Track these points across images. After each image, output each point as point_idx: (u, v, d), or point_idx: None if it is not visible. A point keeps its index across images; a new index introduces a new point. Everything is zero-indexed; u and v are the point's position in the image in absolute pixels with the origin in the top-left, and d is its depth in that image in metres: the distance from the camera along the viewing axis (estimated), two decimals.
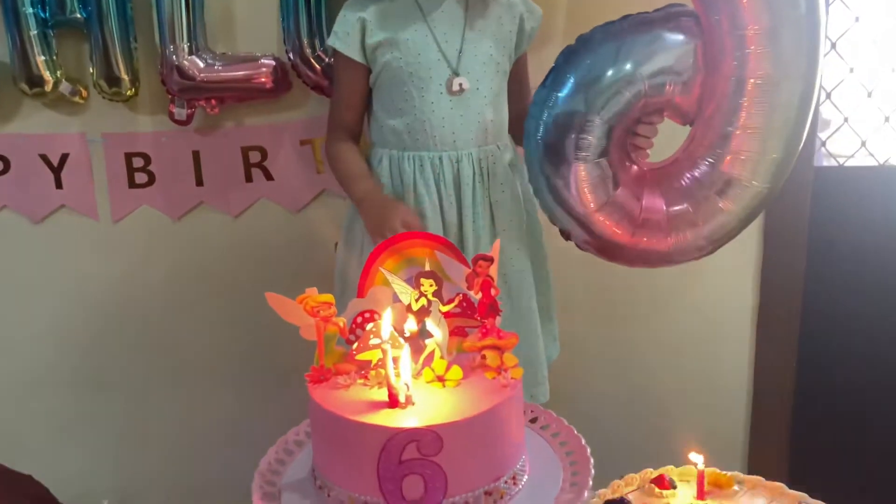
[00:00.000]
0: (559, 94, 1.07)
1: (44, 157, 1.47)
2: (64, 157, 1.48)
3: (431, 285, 0.78)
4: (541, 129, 1.09)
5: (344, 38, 1.22)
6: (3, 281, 1.54)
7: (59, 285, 1.54)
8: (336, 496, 0.74)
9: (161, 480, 1.62)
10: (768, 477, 0.96)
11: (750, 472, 0.97)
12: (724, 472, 0.95)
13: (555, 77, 1.10)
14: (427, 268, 0.81)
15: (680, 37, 1.06)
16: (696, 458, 0.93)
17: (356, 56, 1.21)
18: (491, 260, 0.80)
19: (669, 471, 0.97)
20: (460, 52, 1.18)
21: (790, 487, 0.93)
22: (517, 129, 1.26)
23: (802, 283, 1.58)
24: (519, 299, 1.23)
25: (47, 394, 1.60)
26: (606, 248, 1.14)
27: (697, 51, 1.06)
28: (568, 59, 1.10)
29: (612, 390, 1.63)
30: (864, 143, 1.56)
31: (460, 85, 1.18)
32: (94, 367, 1.59)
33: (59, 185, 1.49)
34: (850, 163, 1.58)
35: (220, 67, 1.39)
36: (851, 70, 1.52)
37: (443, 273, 0.81)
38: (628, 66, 1.05)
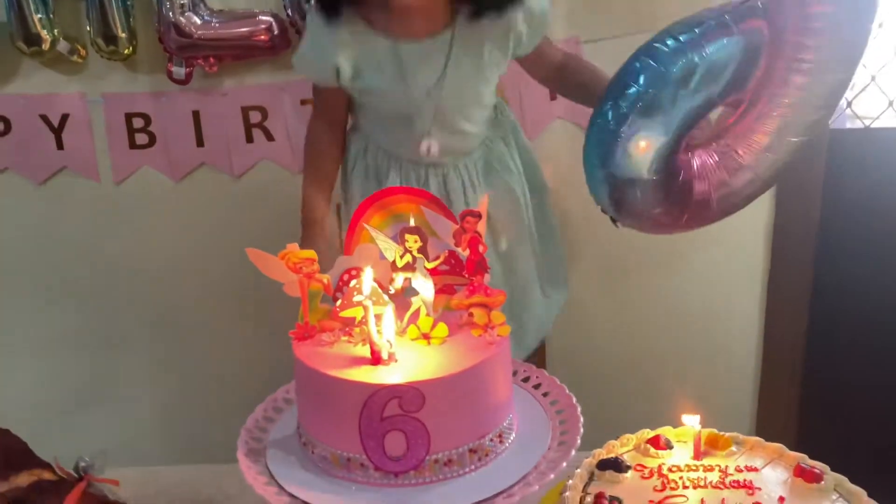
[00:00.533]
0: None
1: (44, 118, 1.47)
2: (64, 118, 1.48)
3: (416, 241, 0.77)
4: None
5: (315, 71, 1.17)
6: (6, 243, 1.55)
7: (61, 247, 1.55)
8: (319, 452, 0.74)
9: (149, 438, 1.64)
10: None
11: None
12: (722, 433, 0.93)
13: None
14: (412, 223, 0.79)
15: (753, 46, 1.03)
16: (691, 419, 0.91)
17: (331, 85, 1.16)
18: (478, 215, 0.77)
19: (666, 431, 0.95)
20: (440, 100, 1.13)
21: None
22: (552, 85, 1.28)
23: (814, 246, 1.54)
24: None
25: (43, 352, 1.62)
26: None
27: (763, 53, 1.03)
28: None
29: (616, 352, 1.61)
30: (891, 103, 1.50)
31: (428, 148, 1.15)
32: (93, 327, 1.60)
33: (60, 146, 1.49)
34: (875, 124, 1.52)
35: (217, 24, 1.37)
36: (880, 25, 1.44)
37: (429, 229, 0.79)
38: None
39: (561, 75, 1.26)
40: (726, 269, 1.57)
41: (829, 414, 1.62)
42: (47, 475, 0.77)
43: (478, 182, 1.21)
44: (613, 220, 1.13)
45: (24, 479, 0.74)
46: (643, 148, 1.02)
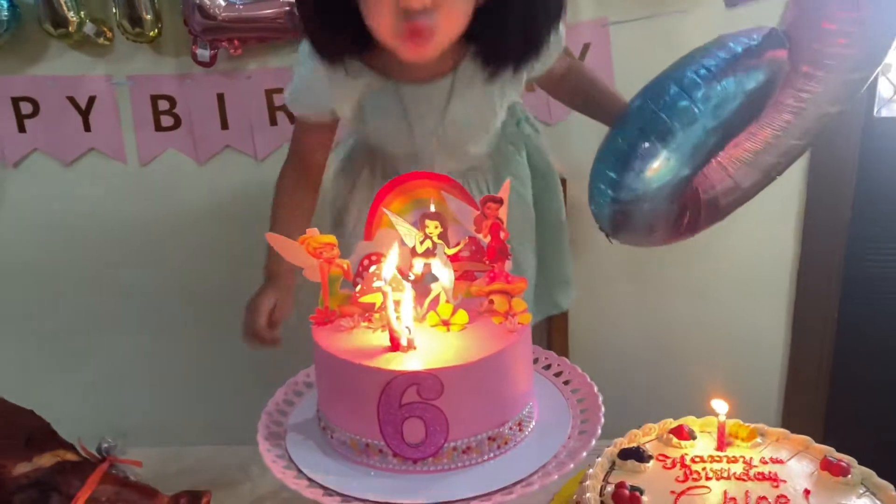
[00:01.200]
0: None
1: (71, 100, 1.48)
2: (91, 100, 1.49)
3: (437, 227, 0.76)
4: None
5: (311, 110, 1.10)
6: (35, 223, 1.57)
7: (89, 228, 1.57)
8: (339, 438, 0.74)
9: (172, 417, 1.66)
10: None
11: None
12: (747, 424, 0.92)
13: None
14: (433, 209, 0.78)
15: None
16: (720, 405, 0.90)
17: (325, 121, 1.11)
18: (500, 201, 0.76)
19: (690, 421, 0.94)
20: (445, 137, 1.08)
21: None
22: (548, 90, 1.23)
23: (846, 235, 1.51)
24: None
25: (70, 334, 1.65)
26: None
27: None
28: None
29: (639, 340, 1.60)
30: None
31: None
32: (117, 306, 1.62)
33: (87, 127, 1.50)
34: None
35: (241, 6, 1.37)
36: None
37: (450, 215, 0.79)
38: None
39: (559, 84, 1.21)
40: (754, 258, 1.54)
41: (857, 408, 1.59)
42: (70, 456, 0.78)
43: (487, 191, 1.16)
44: (607, 235, 1.11)
45: (47, 460, 0.75)
46: (657, 174, 1.01)
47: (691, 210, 1.13)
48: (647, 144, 1.00)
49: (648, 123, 1.00)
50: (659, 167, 1.01)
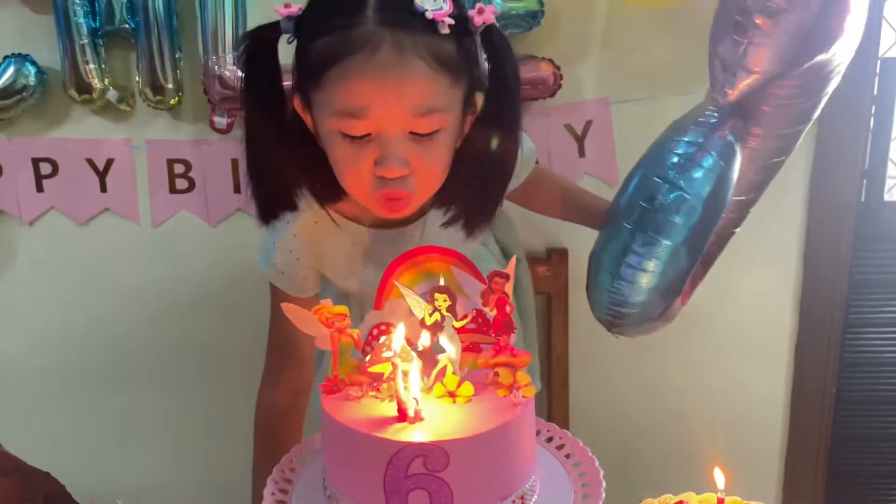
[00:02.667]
0: None
1: (90, 162, 1.53)
2: (109, 162, 1.53)
3: (445, 300, 0.78)
4: None
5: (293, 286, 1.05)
6: (48, 280, 1.60)
7: (101, 286, 1.60)
8: None
9: (176, 482, 1.66)
10: None
11: None
12: (746, 502, 0.92)
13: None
14: (442, 282, 0.80)
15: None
16: (720, 476, 0.91)
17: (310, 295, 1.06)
18: (507, 277, 0.79)
19: (689, 497, 0.95)
20: None
21: None
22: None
23: (843, 315, 1.53)
24: None
25: (83, 393, 1.66)
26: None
27: None
28: None
29: (637, 410, 1.60)
30: None
31: None
32: (128, 366, 1.63)
33: (103, 188, 1.54)
34: None
35: None
36: None
37: (458, 288, 0.81)
38: None
39: (529, 191, 1.19)
40: (753, 330, 1.56)
41: (862, 486, 1.59)
42: None
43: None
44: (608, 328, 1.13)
45: None
46: (653, 275, 1.02)
47: None
48: (641, 244, 1.00)
49: (640, 220, 1.02)
50: (654, 268, 1.01)
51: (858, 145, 1.50)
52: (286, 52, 0.91)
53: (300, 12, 0.88)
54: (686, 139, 1.03)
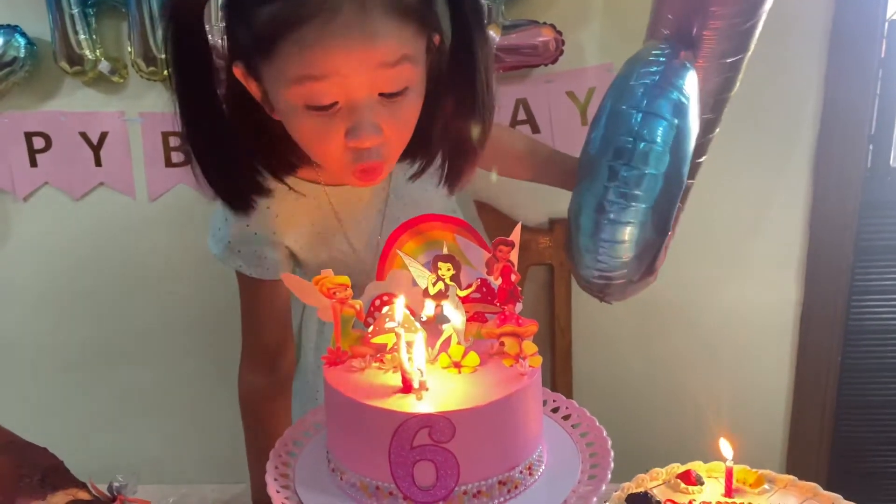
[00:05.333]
0: None
1: (83, 135, 1.50)
2: (103, 136, 1.51)
3: (449, 269, 0.76)
4: None
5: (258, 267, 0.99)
6: (43, 257, 1.58)
7: (97, 262, 1.58)
8: (348, 479, 0.74)
9: (175, 458, 1.66)
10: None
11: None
12: (755, 470, 0.92)
13: None
14: (445, 251, 0.79)
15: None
16: (726, 447, 0.90)
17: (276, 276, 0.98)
18: (512, 244, 0.77)
19: (697, 466, 0.95)
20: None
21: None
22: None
23: (848, 282, 1.52)
24: None
25: (80, 369, 1.65)
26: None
27: None
28: None
29: (644, 383, 1.60)
30: None
31: None
32: (126, 340, 1.63)
33: (98, 162, 1.52)
34: None
35: None
36: None
37: (462, 257, 0.79)
38: None
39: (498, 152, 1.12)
40: (757, 302, 1.55)
41: (864, 455, 1.59)
42: (82, 495, 0.78)
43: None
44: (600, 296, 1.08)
45: (60, 499, 0.75)
46: (634, 227, 0.97)
47: None
48: (616, 198, 0.96)
49: (612, 175, 0.96)
50: (633, 220, 0.97)
51: (865, 110, 1.48)
52: None
53: None
54: (644, 81, 0.98)
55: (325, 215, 0.97)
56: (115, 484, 0.80)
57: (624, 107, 0.97)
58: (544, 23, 1.38)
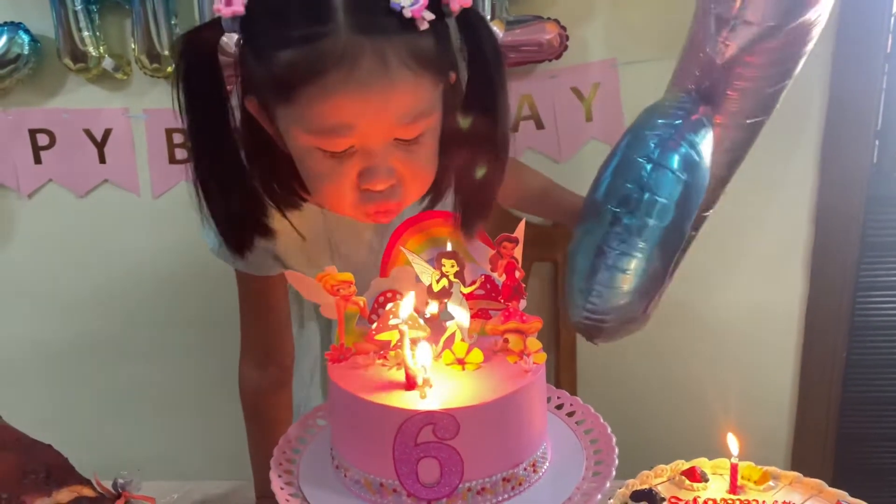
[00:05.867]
0: None
1: (87, 132, 1.50)
2: (107, 133, 1.51)
3: (453, 266, 0.76)
4: None
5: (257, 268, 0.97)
6: (48, 254, 1.59)
7: (102, 259, 1.58)
8: (352, 476, 0.74)
9: (179, 454, 1.66)
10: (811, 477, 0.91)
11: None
12: (760, 467, 0.92)
13: None
14: (449, 248, 0.78)
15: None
16: (733, 442, 0.90)
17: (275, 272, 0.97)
18: (516, 241, 0.77)
19: (702, 463, 0.94)
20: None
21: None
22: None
23: (854, 278, 1.51)
24: None
25: (84, 366, 1.65)
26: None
27: None
28: None
29: (647, 378, 1.59)
30: None
31: None
32: (132, 339, 1.63)
33: (102, 159, 1.52)
34: None
35: None
36: None
37: (466, 253, 0.79)
38: None
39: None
40: (763, 296, 1.55)
41: (869, 450, 1.59)
42: (87, 491, 0.78)
43: None
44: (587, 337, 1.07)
45: (65, 496, 0.75)
46: (632, 275, 0.97)
47: None
48: (617, 243, 0.95)
49: (615, 221, 0.96)
50: (632, 268, 0.97)
51: (871, 105, 1.47)
52: None
53: (245, 11, 0.75)
54: (658, 133, 0.98)
55: (318, 236, 0.95)
56: (120, 480, 0.80)
57: (635, 156, 0.96)
58: (548, 18, 1.37)
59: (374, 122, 0.75)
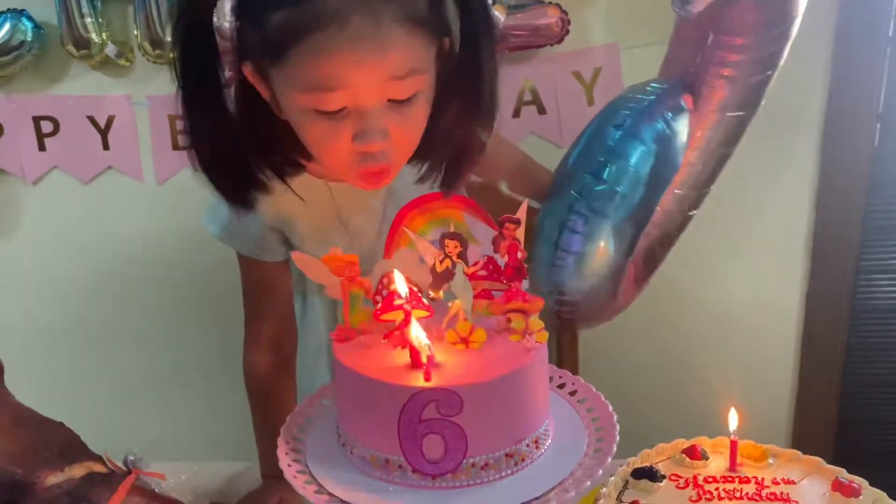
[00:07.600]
0: None
1: (91, 119, 1.51)
2: (111, 119, 1.52)
3: (456, 247, 0.77)
4: None
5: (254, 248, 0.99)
6: (53, 240, 1.60)
7: (106, 245, 1.60)
8: (358, 453, 0.75)
9: (190, 433, 1.68)
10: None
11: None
12: (759, 445, 0.93)
13: None
14: (452, 229, 0.79)
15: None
16: (734, 417, 0.91)
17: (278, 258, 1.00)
18: (518, 222, 0.78)
19: (702, 441, 0.95)
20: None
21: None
22: None
23: (855, 261, 1.52)
24: None
25: (90, 350, 1.67)
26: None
27: None
28: None
29: (649, 360, 1.60)
30: None
31: None
32: (136, 321, 1.64)
33: (106, 146, 1.53)
34: None
35: None
36: None
37: (469, 235, 0.80)
38: None
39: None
40: (764, 276, 1.55)
41: (870, 431, 1.60)
42: (99, 468, 0.79)
43: None
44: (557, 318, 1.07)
45: (77, 471, 0.77)
46: (602, 253, 0.97)
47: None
48: (587, 209, 0.95)
49: (584, 190, 0.97)
50: (599, 235, 0.97)
51: (873, 89, 1.47)
52: None
53: None
54: (632, 105, 0.99)
55: (326, 212, 0.97)
56: (130, 457, 0.82)
57: (606, 125, 0.96)
58: (549, 2, 1.38)
59: (367, 78, 0.76)
